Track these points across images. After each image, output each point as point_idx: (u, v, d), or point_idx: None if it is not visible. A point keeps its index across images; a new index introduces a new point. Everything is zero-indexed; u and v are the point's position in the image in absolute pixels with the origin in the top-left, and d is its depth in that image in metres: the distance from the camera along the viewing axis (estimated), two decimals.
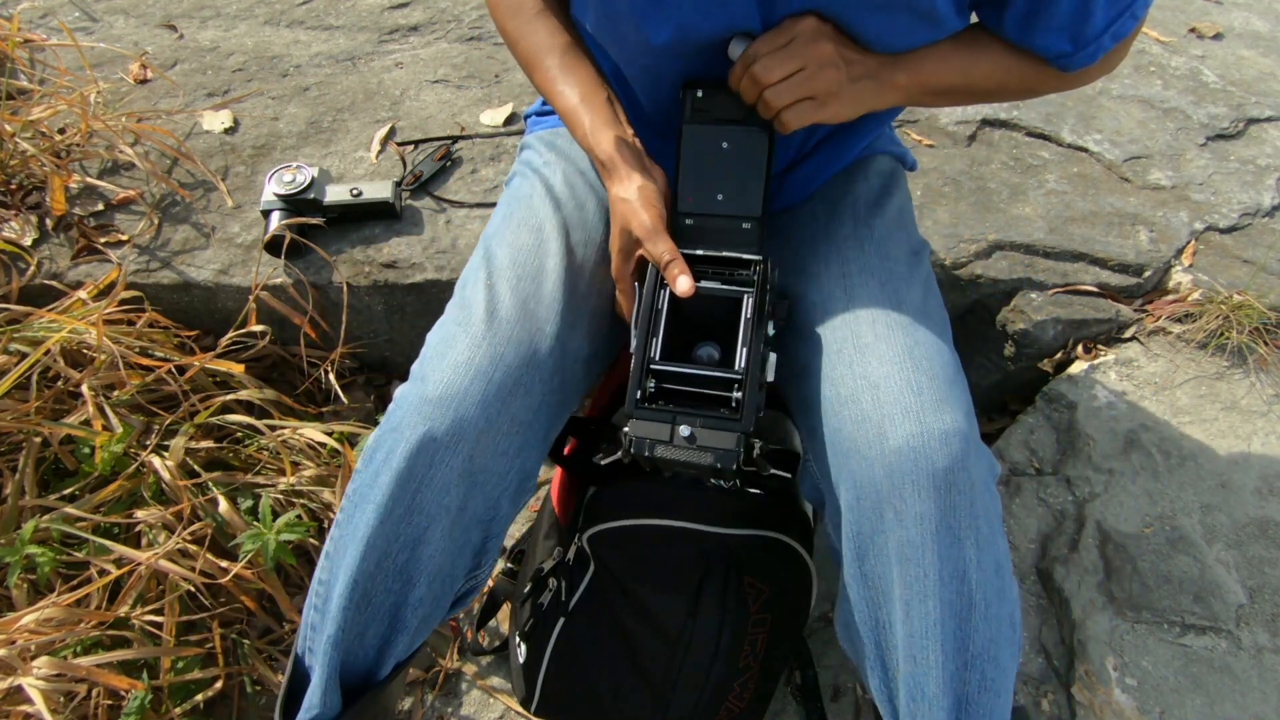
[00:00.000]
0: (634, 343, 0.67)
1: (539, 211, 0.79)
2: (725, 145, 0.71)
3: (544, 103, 0.95)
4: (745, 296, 0.67)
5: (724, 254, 0.69)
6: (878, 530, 0.63)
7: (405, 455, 0.64)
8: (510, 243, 0.76)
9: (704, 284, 0.68)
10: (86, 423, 0.98)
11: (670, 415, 0.65)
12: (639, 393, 0.66)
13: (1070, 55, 0.67)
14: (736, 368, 0.65)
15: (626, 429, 0.66)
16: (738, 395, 0.65)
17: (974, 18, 0.71)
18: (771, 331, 0.68)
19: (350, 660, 0.66)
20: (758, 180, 0.70)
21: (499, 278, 0.73)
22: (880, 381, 0.65)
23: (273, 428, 1.07)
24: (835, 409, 0.67)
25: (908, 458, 0.61)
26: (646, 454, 0.65)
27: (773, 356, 0.68)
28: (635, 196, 0.68)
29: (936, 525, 0.61)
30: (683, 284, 0.65)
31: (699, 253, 0.69)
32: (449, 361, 0.67)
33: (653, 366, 0.67)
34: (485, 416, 0.66)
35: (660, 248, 0.67)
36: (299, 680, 0.67)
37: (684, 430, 0.64)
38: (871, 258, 0.76)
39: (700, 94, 0.70)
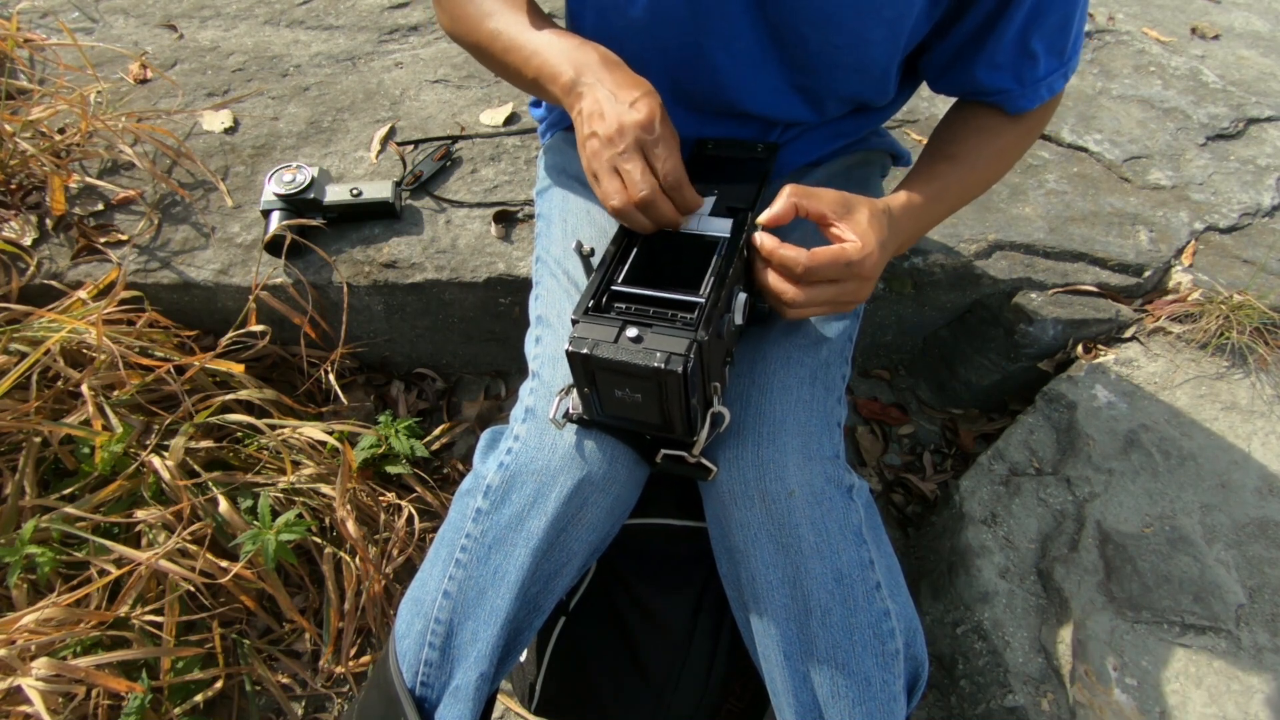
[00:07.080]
0: (599, 262, 0.65)
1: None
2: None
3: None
4: (720, 241, 0.66)
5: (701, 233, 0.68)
6: (725, 535, 0.71)
7: (560, 499, 0.66)
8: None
9: (683, 229, 0.67)
10: (86, 423, 0.98)
11: (620, 322, 0.60)
12: (590, 302, 0.62)
13: (1016, 94, 0.72)
14: (701, 293, 0.61)
15: (572, 333, 0.61)
16: (696, 312, 0.60)
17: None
18: (743, 294, 0.67)
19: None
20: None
21: None
22: (752, 400, 0.70)
23: (273, 427, 1.07)
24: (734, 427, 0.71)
25: (735, 472, 0.68)
26: (586, 351, 0.58)
27: (742, 296, 0.67)
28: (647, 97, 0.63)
29: (756, 532, 0.67)
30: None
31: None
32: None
33: (614, 289, 0.64)
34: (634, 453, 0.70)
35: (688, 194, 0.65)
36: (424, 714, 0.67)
37: (631, 331, 0.59)
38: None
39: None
